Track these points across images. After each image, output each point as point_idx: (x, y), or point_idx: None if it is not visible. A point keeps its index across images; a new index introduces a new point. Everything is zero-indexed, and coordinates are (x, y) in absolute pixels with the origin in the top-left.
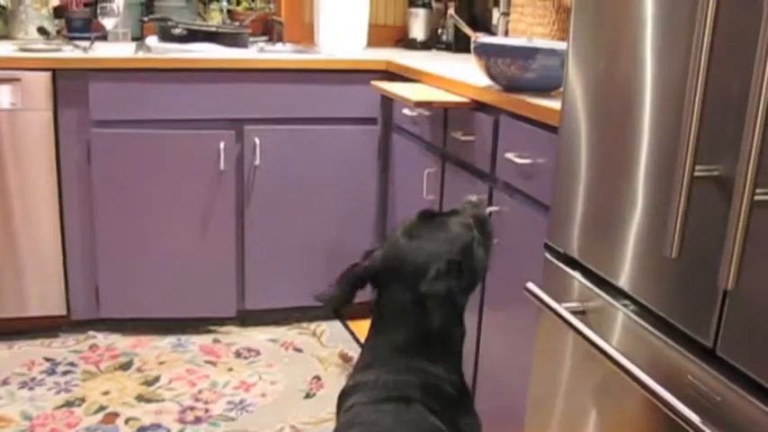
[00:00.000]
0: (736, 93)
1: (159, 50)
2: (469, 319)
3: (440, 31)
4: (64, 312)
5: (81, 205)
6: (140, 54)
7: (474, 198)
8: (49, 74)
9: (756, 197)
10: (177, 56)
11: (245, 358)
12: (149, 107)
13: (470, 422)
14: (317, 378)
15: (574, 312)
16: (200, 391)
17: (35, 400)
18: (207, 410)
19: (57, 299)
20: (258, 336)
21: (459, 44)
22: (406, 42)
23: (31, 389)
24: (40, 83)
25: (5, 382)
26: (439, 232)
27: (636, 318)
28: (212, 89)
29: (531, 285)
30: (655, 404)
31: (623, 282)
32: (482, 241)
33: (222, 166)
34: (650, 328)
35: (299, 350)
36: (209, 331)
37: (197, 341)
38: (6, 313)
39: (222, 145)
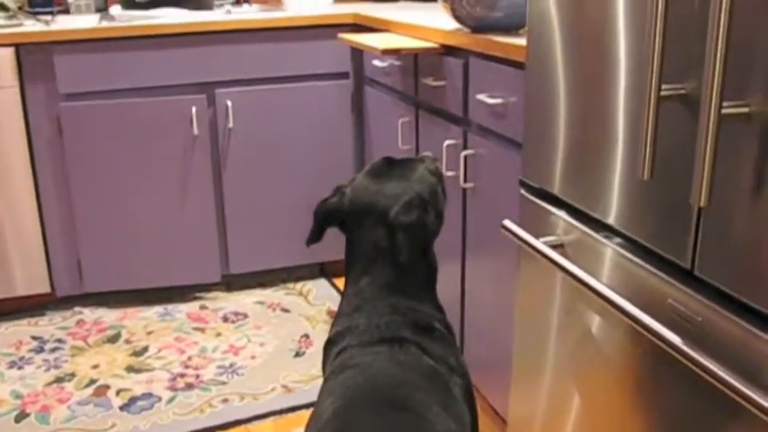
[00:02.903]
0: (699, 11)
1: (123, 19)
2: (452, 267)
3: None
4: (48, 290)
5: (56, 180)
6: (104, 23)
7: (430, 154)
8: (11, 49)
9: (723, 110)
10: (141, 23)
11: (233, 322)
12: (117, 77)
13: (461, 362)
14: (306, 336)
15: (552, 246)
16: (189, 358)
17: (25, 379)
18: (197, 376)
19: (40, 277)
20: (245, 299)
21: None
22: None
23: (20, 368)
24: (3, 59)
25: None
26: (405, 173)
27: (615, 246)
28: (180, 54)
29: (507, 222)
30: (638, 331)
31: (600, 211)
32: (443, 191)
33: (195, 131)
34: (629, 255)
35: (286, 310)
36: (196, 298)
37: (184, 309)
38: None
39: (194, 110)
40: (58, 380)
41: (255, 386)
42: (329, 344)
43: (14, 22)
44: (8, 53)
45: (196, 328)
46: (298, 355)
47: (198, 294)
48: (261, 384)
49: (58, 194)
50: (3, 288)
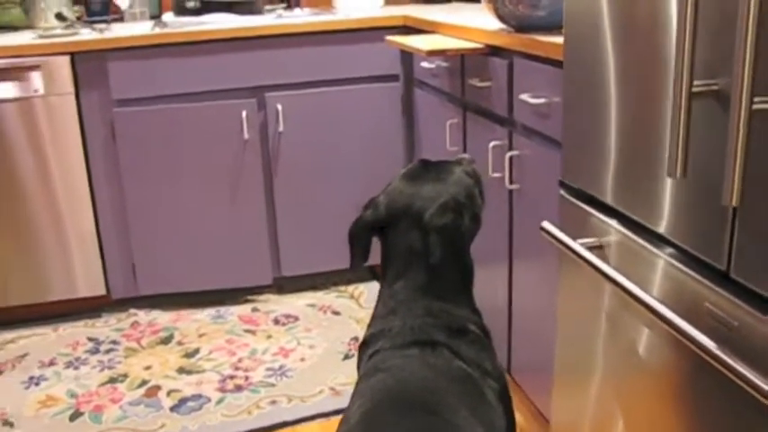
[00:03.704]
0: (730, 3)
1: (175, 25)
2: (499, 270)
3: None
4: (104, 292)
5: (110, 185)
6: (156, 30)
7: (467, 156)
8: (67, 57)
9: (755, 106)
10: (192, 29)
11: (284, 325)
12: (169, 82)
13: (497, 365)
14: (356, 339)
15: (590, 248)
16: (239, 360)
17: (80, 379)
18: (247, 378)
19: (96, 279)
20: (296, 302)
21: None
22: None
23: (76, 368)
24: (60, 67)
25: (52, 363)
26: (441, 175)
27: (652, 248)
28: (230, 59)
29: (546, 224)
30: (675, 336)
31: (640, 214)
32: (480, 193)
33: (246, 135)
34: (666, 257)
35: (336, 313)
36: (248, 301)
37: (236, 311)
38: (49, 297)
39: (244, 114)
40: (112, 380)
41: (303, 388)
42: (363, 346)
43: (71, 31)
44: (64, 61)
45: (247, 330)
46: (347, 357)
47: (249, 297)
48: (309, 387)
49: (113, 198)
50: (62, 290)
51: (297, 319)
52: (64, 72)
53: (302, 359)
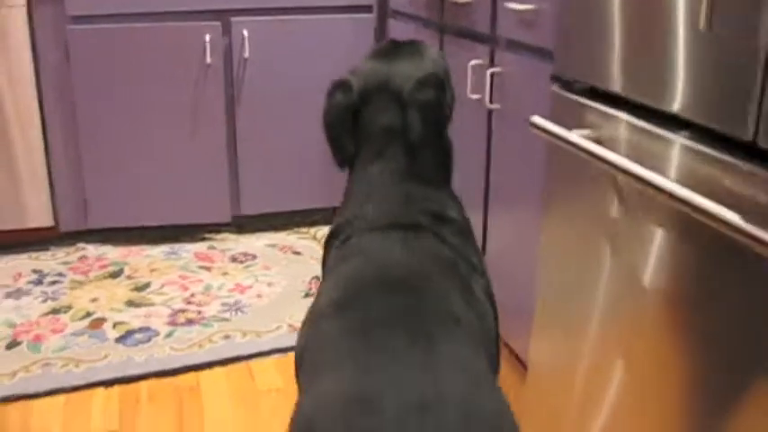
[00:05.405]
0: None
1: None
2: (475, 197)
3: None
4: (52, 224)
5: (63, 109)
6: None
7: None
8: None
9: None
10: None
11: (242, 262)
12: (128, 0)
13: (482, 261)
14: (317, 278)
15: (591, 140)
16: (192, 295)
17: (20, 309)
18: (200, 312)
19: (44, 210)
20: (255, 242)
21: None
22: None
23: (16, 299)
24: None
25: None
26: (416, 53)
27: (659, 131)
28: None
29: (536, 118)
30: (691, 232)
31: (648, 95)
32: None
33: (209, 59)
34: (682, 139)
35: (297, 253)
36: (204, 239)
37: (191, 249)
38: None
39: (208, 37)
40: (54, 311)
41: (260, 324)
42: (330, 238)
43: None
44: None
45: (202, 267)
46: (307, 296)
47: (207, 235)
48: (266, 323)
49: (65, 124)
50: (6, 219)
51: (255, 257)
52: None
53: (259, 296)
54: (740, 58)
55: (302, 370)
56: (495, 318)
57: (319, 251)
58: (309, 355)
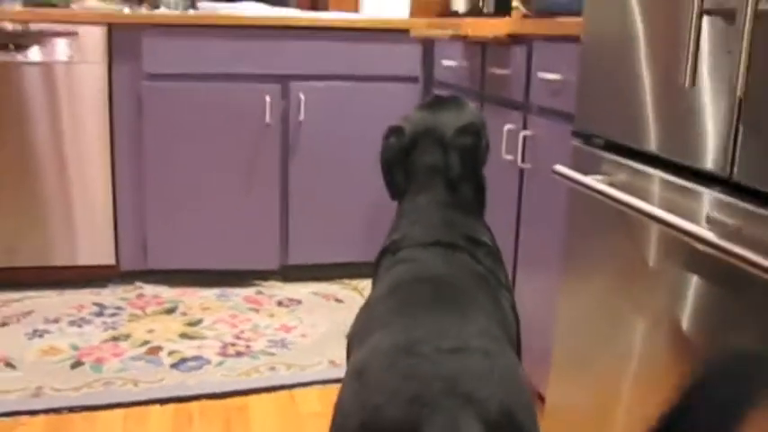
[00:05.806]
0: None
1: (208, 9)
2: (505, 247)
3: (480, 3)
4: (113, 262)
5: (131, 157)
6: (191, 11)
7: None
8: (104, 28)
9: (760, 7)
10: (226, 13)
11: (287, 306)
12: (199, 62)
13: (509, 280)
14: None
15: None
16: (241, 332)
17: (83, 335)
18: (248, 346)
19: (106, 249)
20: (300, 289)
21: (499, 14)
22: (448, 15)
23: (79, 326)
24: (95, 36)
25: (56, 320)
26: (458, 106)
27: (662, 175)
28: (259, 46)
29: (558, 166)
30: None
31: (643, 142)
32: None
33: (268, 119)
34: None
35: (340, 301)
36: (253, 284)
37: (240, 292)
38: (57, 262)
39: (268, 99)
40: (114, 338)
41: (303, 359)
42: (383, 253)
43: (111, 5)
44: (100, 31)
45: (250, 308)
46: None
47: (255, 281)
48: (308, 357)
49: (132, 170)
50: (69, 256)
51: (300, 302)
52: (98, 42)
53: (303, 335)
54: (717, 114)
55: (353, 343)
56: (518, 327)
57: (361, 301)
58: (360, 330)
